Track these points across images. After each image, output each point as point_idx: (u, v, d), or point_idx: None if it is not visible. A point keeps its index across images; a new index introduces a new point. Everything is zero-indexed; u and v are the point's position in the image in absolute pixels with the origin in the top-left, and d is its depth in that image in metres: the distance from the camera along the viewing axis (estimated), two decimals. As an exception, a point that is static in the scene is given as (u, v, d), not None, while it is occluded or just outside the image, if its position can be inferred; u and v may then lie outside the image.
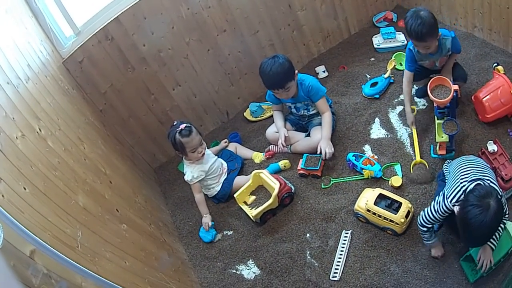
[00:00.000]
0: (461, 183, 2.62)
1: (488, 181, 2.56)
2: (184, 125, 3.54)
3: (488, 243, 2.60)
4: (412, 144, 3.52)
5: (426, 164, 3.32)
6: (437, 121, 3.29)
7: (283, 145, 3.77)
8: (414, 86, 3.84)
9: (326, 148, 3.56)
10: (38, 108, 2.52)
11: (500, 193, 2.51)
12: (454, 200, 2.60)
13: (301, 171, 3.64)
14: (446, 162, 3.14)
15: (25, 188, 1.85)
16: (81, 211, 2.29)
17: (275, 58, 3.51)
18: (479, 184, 2.55)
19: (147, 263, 2.70)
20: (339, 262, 3.07)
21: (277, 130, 3.86)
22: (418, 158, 3.37)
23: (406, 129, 3.66)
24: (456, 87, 3.10)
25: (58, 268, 1.67)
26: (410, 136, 3.58)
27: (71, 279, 1.74)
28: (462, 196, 2.57)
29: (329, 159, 3.59)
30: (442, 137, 3.23)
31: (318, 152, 3.60)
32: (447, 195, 2.66)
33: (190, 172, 3.64)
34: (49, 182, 2.13)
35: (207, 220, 3.61)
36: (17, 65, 2.54)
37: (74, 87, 3.50)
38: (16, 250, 1.49)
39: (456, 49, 3.39)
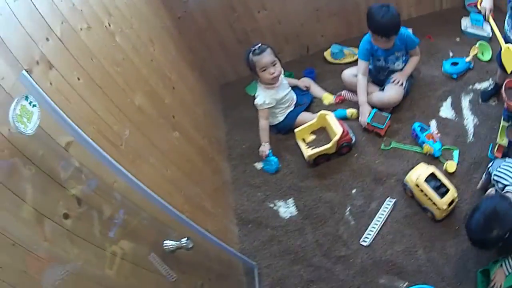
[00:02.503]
0: (503, 176, 2.57)
1: None
2: (260, 43, 3.51)
3: (503, 266, 2.54)
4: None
5: None
6: (502, 122, 3.13)
7: (363, 124, 3.63)
8: (491, 83, 3.68)
9: (400, 78, 3.60)
10: (111, 4, 2.50)
11: None
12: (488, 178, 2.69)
13: (366, 125, 3.56)
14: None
15: (79, 79, 1.85)
16: (135, 111, 2.30)
17: (389, 8, 3.39)
18: (508, 196, 2.44)
19: (189, 176, 2.71)
20: (374, 228, 3.03)
21: (360, 104, 3.70)
22: (504, 45, 3.01)
23: (473, 117, 3.49)
24: None
25: (92, 164, 1.68)
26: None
27: (104, 177, 1.75)
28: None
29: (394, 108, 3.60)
30: (503, 140, 3.08)
31: (392, 80, 3.60)
32: (495, 169, 2.66)
33: (263, 97, 3.59)
34: (108, 76, 2.13)
35: (265, 148, 3.56)
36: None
37: (154, -10, 3.48)
38: (51, 139, 1.50)
39: None
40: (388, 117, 3.49)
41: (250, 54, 3.49)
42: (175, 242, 1.96)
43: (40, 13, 1.79)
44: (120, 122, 2.08)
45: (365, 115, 3.57)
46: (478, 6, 3.16)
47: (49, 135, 1.49)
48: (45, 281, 1.32)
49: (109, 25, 2.34)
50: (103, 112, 1.96)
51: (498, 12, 3.11)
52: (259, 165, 3.62)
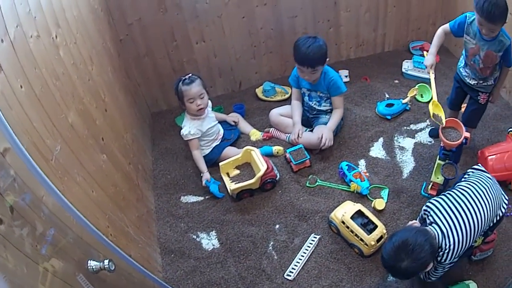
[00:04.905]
0: (435, 210, 2.60)
1: (451, 239, 2.44)
2: (191, 74, 3.55)
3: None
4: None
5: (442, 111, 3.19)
6: (438, 161, 3.23)
7: (295, 141, 3.74)
8: (428, 124, 3.87)
9: (327, 138, 3.59)
10: (62, 15, 2.48)
11: (442, 259, 2.46)
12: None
13: (286, 155, 3.67)
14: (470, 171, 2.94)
15: (21, 87, 1.81)
16: (67, 127, 2.25)
17: (316, 39, 3.51)
18: (428, 231, 2.49)
19: (114, 200, 2.67)
20: (298, 263, 3.05)
21: (293, 123, 3.82)
22: (435, 98, 3.19)
23: (404, 159, 3.64)
24: (467, 134, 3.03)
25: (25, 175, 1.63)
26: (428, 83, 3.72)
27: (34, 190, 1.69)
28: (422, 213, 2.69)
29: (323, 150, 3.66)
30: (438, 178, 3.19)
31: (318, 138, 3.61)
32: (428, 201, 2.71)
33: (188, 127, 3.60)
34: (47, 88, 2.09)
35: (207, 176, 3.57)
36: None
37: (103, 9, 3.46)
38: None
39: (509, 60, 3.09)
40: (306, 159, 3.58)
41: (180, 83, 3.52)
42: (98, 263, 1.92)
43: (1, 11, 1.77)
44: (52, 136, 2.03)
45: (296, 134, 3.69)
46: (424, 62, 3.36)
47: (-12, 137, 1.45)
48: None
49: (56, 37, 2.32)
50: (38, 124, 1.91)
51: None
52: (184, 198, 3.61)
